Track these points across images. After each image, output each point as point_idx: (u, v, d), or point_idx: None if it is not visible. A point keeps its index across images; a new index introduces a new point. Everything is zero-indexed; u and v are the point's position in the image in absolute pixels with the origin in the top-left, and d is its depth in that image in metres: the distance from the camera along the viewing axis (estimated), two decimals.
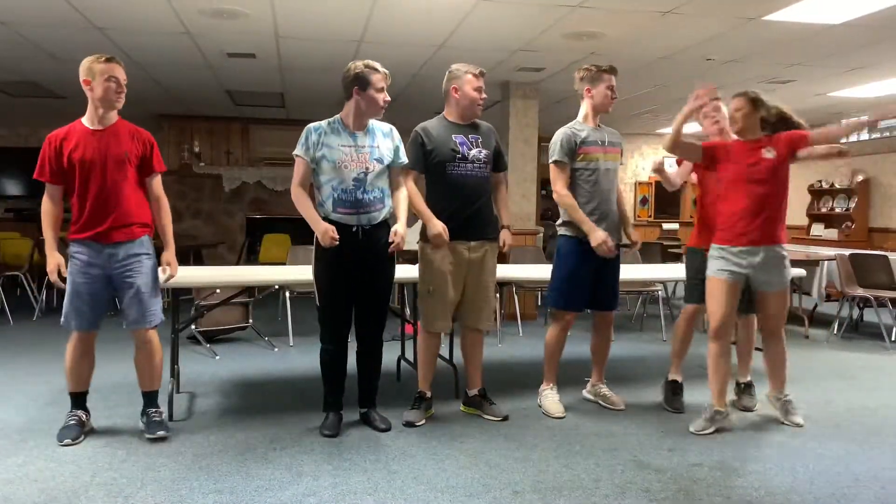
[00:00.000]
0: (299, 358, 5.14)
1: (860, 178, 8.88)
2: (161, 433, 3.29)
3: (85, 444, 3.24)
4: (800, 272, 5.26)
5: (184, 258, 8.21)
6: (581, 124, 3.70)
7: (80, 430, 3.30)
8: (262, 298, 6.81)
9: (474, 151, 3.52)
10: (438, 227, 3.44)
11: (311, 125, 3.36)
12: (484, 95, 3.55)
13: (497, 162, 3.70)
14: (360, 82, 3.27)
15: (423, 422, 3.59)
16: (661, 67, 6.21)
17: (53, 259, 3.15)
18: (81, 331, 3.26)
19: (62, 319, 3.25)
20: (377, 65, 3.30)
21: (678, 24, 4.84)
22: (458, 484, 2.83)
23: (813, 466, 3.06)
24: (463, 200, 3.52)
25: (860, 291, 6.13)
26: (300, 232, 9.64)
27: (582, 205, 3.61)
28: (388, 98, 3.36)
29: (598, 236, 3.55)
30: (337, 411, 3.49)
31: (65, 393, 3.38)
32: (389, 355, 4.94)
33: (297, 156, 3.37)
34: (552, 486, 2.81)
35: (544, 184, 9.39)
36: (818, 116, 8.99)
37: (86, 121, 3.24)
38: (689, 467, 3.03)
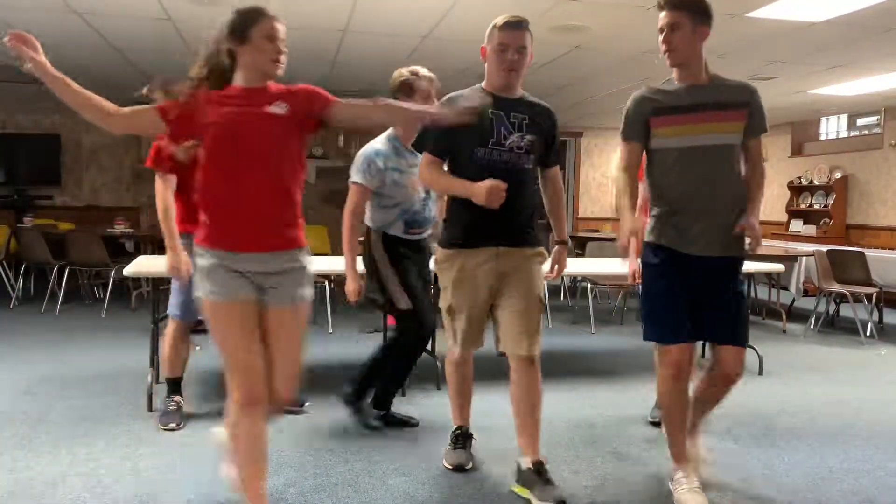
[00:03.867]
0: None
1: (838, 175, 9.00)
2: (169, 424, 3.31)
3: (62, 433, 3.20)
4: (778, 267, 5.32)
5: (164, 247, 8.15)
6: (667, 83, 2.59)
7: (181, 415, 3.38)
8: None
9: (514, 137, 2.61)
10: (482, 187, 2.47)
11: (371, 150, 3.22)
12: (513, 56, 2.56)
13: (547, 154, 2.77)
14: (405, 90, 3.12)
15: (471, 464, 2.93)
16: (647, 61, 6.24)
17: (182, 256, 3.19)
18: (187, 321, 3.37)
19: (171, 310, 3.36)
20: (423, 71, 3.16)
21: None
22: (440, 475, 2.84)
23: (788, 458, 3.11)
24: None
25: (837, 287, 6.22)
26: None
27: (655, 198, 2.60)
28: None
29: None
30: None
31: (43, 382, 3.36)
32: (371, 347, 4.95)
33: (355, 183, 3.21)
34: None
35: None
36: (799, 114, 9.09)
37: None
38: (668, 459, 3.06)
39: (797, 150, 9.92)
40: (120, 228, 7.51)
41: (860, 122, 8.93)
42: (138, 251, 7.51)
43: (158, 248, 7.90)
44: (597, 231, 10.43)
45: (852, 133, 9.12)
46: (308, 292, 2.22)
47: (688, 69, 2.48)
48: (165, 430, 3.28)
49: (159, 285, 3.92)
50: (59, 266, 6.55)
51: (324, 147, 10.15)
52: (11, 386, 3.93)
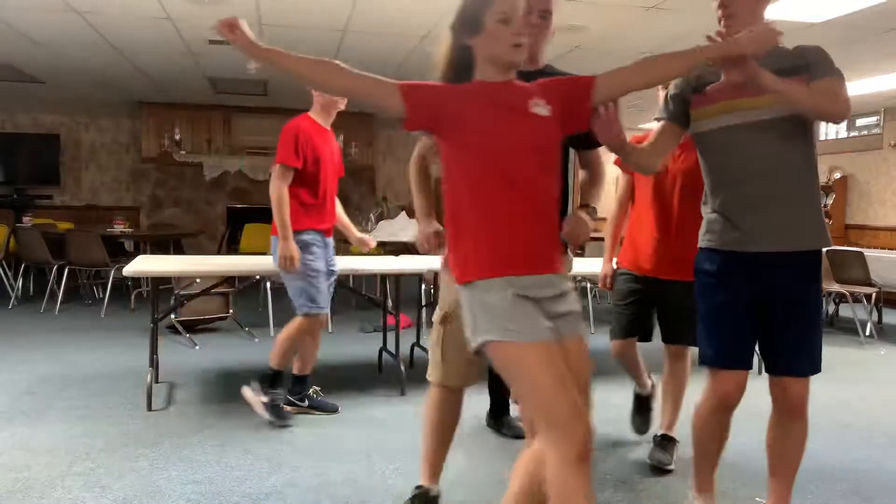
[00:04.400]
0: None
1: (837, 175, 9.00)
2: (269, 418, 3.37)
3: (62, 432, 3.20)
4: None
5: (163, 247, 8.18)
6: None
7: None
8: (243, 289, 6.77)
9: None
10: (425, 231, 2.35)
11: None
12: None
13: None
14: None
15: None
16: None
17: (295, 246, 3.26)
18: (323, 311, 3.43)
19: (304, 308, 3.35)
20: None
21: (662, 18, 4.86)
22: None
23: None
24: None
25: (836, 287, 6.22)
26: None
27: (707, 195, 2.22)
28: None
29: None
30: None
31: (44, 381, 3.35)
32: (371, 346, 4.96)
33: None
34: None
35: None
36: None
37: (318, 119, 3.44)
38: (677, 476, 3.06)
39: None
40: (119, 228, 7.50)
41: (859, 122, 8.92)
42: (137, 251, 7.51)
43: (157, 247, 7.92)
44: (597, 231, 10.42)
45: (852, 133, 9.12)
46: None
47: None
48: (282, 426, 3.35)
49: (159, 285, 3.92)
50: (59, 266, 6.54)
51: None
52: (11, 386, 3.92)
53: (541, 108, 1.77)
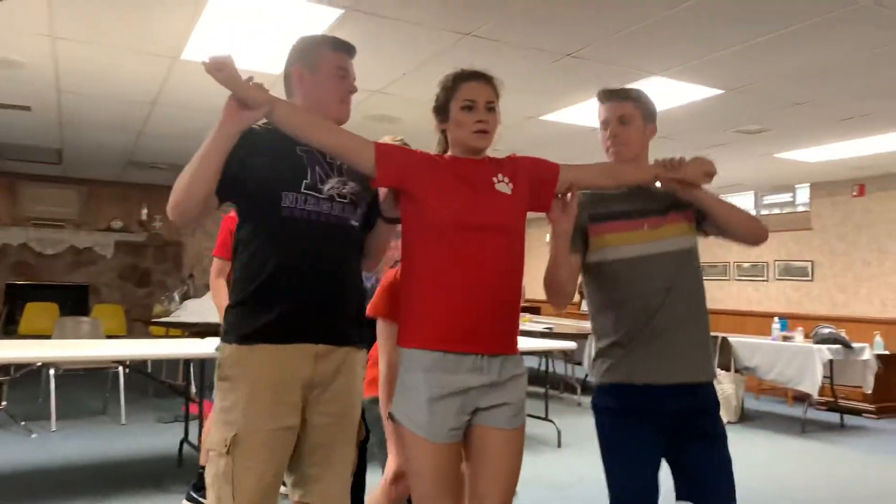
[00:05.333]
0: (62, 444, 4.58)
1: None
2: None
3: None
4: (571, 345, 5.78)
5: None
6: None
7: None
8: (20, 377, 6.02)
9: (334, 181, 1.86)
10: None
11: None
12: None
13: (374, 213, 1.96)
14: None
15: None
16: None
17: None
18: None
19: None
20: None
21: None
22: None
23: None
24: (306, 265, 1.80)
25: None
26: (71, 300, 8.83)
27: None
28: None
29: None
30: None
31: None
32: (172, 439, 4.60)
33: None
34: None
35: None
36: None
37: None
38: None
39: None
40: None
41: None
42: None
43: None
44: None
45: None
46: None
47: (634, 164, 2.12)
48: None
49: None
50: None
51: (124, 220, 9.51)
52: None
53: (503, 186, 1.82)
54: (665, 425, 1.97)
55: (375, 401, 2.21)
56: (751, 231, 2.02)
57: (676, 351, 1.98)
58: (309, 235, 1.79)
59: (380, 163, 1.77)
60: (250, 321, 1.76)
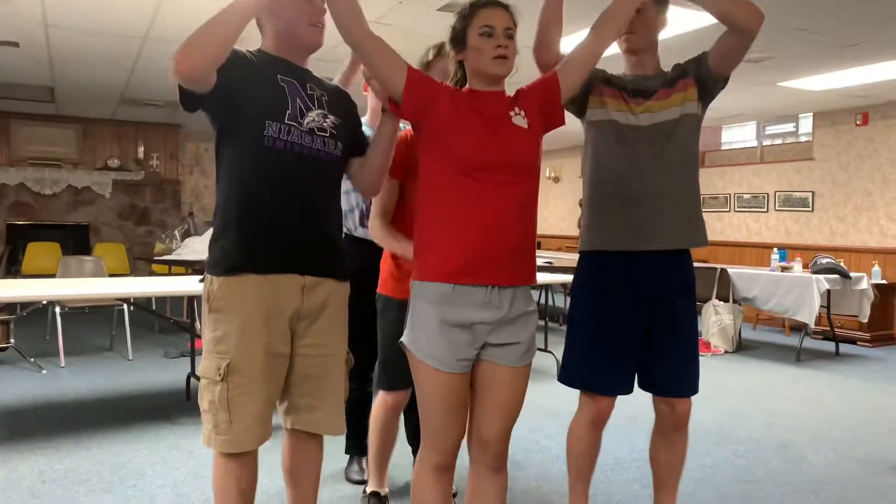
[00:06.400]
0: (72, 379, 4.68)
1: None
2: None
3: None
4: (570, 278, 5.82)
5: None
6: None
7: None
8: (27, 315, 6.10)
9: (314, 114, 1.83)
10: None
11: None
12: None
13: (358, 144, 1.98)
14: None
15: None
16: None
17: None
18: None
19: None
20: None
21: None
22: None
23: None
24: (286, 195, 1.79)
25: None
26: (72, 240, 8.85)
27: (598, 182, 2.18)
28: None
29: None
30: None
31: None
32: (178, 373, 4.70)
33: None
34: None
35: None
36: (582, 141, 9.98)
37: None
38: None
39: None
40: None
41: None
42: None
43: None
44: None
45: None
46: None
47: (644, 57, 2.17)
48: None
49: None
50: None
51: (121, 158, 9.44)
52: None
53: (520, 119, 1.81)
54: (640, 297, 2.10)
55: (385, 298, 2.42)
56: (748, 13, 1.96)
57: (661, 218, 2.08)
58: (289, 166, 1.78)
59: (407, 91, 1.75)
60: (235, 252, 1.77)
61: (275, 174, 1.77)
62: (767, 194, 8.22)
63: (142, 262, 8.23)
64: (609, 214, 2.12)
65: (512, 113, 1.81)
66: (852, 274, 5.96)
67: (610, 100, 2.12)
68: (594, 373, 2.16)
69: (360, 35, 1.73)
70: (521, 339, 1.81)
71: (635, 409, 4.24)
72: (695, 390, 2.18)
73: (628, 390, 2.19)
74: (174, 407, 4.05)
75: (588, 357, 2.17)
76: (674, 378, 2.16)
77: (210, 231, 1.90)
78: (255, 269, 1.77)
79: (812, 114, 7.72)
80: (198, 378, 3.93)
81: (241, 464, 1.80)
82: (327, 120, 1.85)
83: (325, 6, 1.78)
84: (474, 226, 1.73)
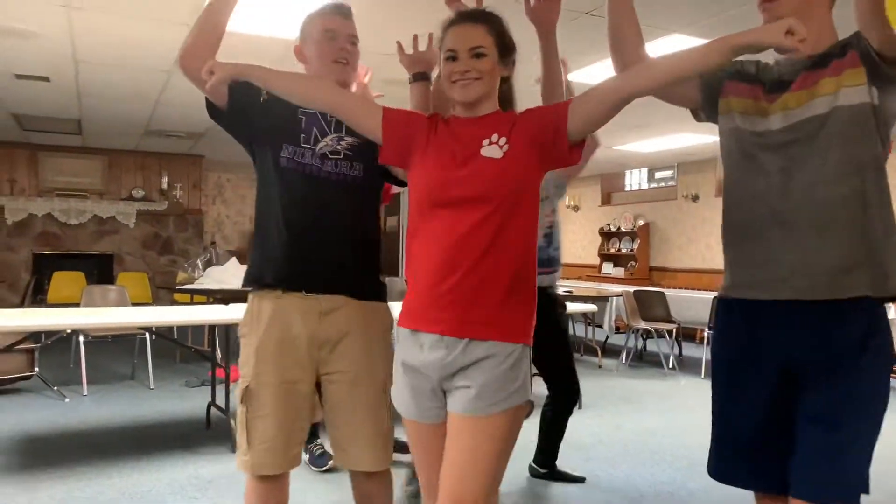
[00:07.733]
0: (94, 408, 4.71)
1: (641, 222, 9.98)
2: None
3: None
4: (592, 307, 5.80)
5: None
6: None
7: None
8: (51, 344, 6.17)
9: (329, 138, 1.87)
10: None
11: None
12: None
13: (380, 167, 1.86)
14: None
15: None
16: None
17: None
18: None
19: None
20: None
21: None
22: None
23: (605, 485, 3.36)
24: (299, 220, 1.83)
25: (643, 324, 6.85)
26: (96, 269, 8.97)
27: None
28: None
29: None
30: None
31: None
32: (199, 402, 4.71)
33: None
34: None
35: None
36: (608, 167, 10.01)
37: None
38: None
39: (606, 200, 10.89)
40: None
41: (658, 175, 10.00)
42: None
43: None
44: None
45: (652, 185, 10.18)
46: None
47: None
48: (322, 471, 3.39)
49: None
50: None
51: (145, 189, 9.60)
52: None
53: (494, 149, 1.58)
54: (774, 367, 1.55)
55: None
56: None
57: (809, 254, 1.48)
58: (304, 189, 1.82)
59: (385, 139, 1.68)
60: (254, 269, 1.87)
61: (289, 196, 1.82)
62: None
63: (164, 292, 8.31)
64: (735, 249, 1.63)
65: (486, 141, 1.58)
66: None
67: (736, 100, 1.62)
68: (711, 457, 1.69)
69: (325, 104, 1.73)
70: (474, 383, 1.53)
71: (657, 441, 4.18)
72: (834, 495, 1.43)
73: (777, 489, 1.55)
74: (194, 436, 4.06)
75: (713, 434, 1.68)
76: (803, 472, 1.48)
77: (232, 260, 1.96)
78: (265, 286, 1.83)
79: None
80: (218, 407, 3.94)
81: (267, 487, 1.80)
82: (342, 143, 1.86)
83: (353, 45, 1.86)
84: (429, 267, 1.57)
